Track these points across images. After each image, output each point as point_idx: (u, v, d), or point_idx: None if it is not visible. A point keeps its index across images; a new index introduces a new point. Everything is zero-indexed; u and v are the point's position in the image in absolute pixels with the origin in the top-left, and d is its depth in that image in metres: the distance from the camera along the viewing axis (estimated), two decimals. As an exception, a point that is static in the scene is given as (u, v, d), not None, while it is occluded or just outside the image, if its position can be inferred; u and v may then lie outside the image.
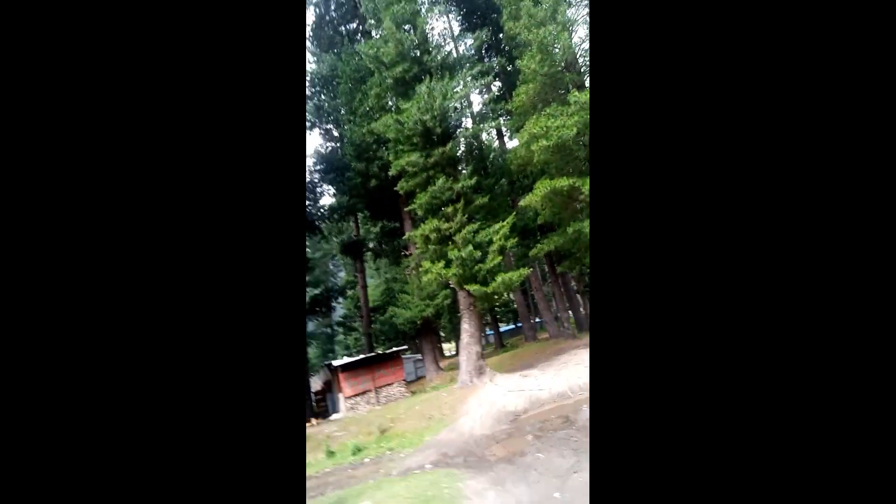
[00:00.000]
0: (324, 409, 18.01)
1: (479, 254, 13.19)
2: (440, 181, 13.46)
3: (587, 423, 7.56)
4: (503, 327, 28.68)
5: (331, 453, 10.64)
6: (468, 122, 17.30)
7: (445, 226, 13.64)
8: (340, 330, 34.33)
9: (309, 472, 9.78)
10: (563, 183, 12.43)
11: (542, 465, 5.79)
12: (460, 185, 13.64)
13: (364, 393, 15.85)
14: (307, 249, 29.91)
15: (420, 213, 14.36)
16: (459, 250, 13.03)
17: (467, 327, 15.40)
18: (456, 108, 14.88)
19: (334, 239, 27.61)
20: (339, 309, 35.50)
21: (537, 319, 28.04)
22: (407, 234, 15.38)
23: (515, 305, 27.02)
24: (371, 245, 26.00)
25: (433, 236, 13.86)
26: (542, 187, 12.99)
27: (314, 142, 64.14)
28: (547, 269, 23.63)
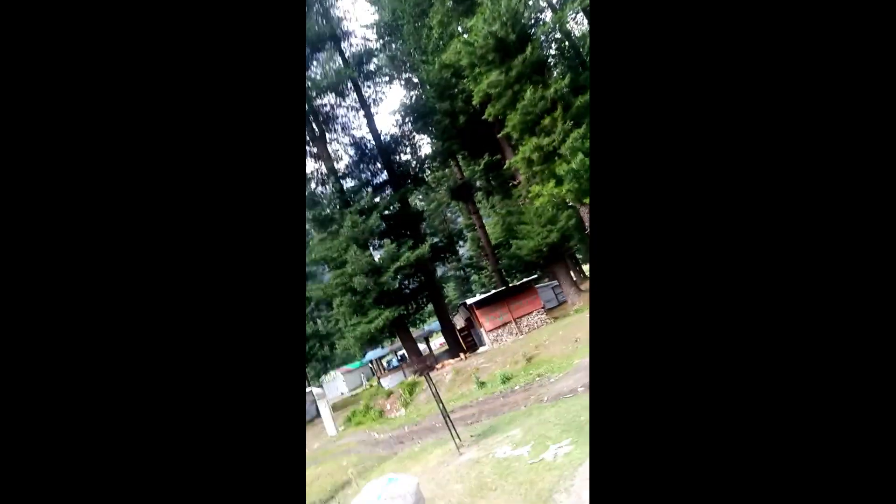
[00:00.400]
0: (471, 343, 19.15)
1: (591, 160, 11.75)
2: (528, 93, 12.09)
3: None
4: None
5: (481, 384, 11.27)
6: (548, 16, 14.93)
7: (546, 141, 12.37)
8: (472, 271, 35.74)
9: (463, 401, 10.53)
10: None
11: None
12: (552, 90, 12.06)
13: (504, 325, 16.28)
14: (420, 203, 31.10)
15: (515, 135, 13.28)
16: (568, 162, 11.77)
17: (597, 243, 14.29)
18: (528, 5, 12.91)
19: (441, 188, 27.93)
20: (466, 252, 36.96)
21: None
22: (507, 163, 14.50)
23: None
24: (479, 184, 25.61)
25: (535, 156, 12.76)
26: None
27: (398, 94, 64.51)
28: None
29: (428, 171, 25.44)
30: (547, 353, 11.53)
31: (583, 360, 9.45)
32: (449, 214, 39.01)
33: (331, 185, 19.31)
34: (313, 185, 20.43)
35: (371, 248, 18.54)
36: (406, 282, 19.57)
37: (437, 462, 5.93)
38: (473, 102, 14.07)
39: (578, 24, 17.99)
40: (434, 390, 6.39)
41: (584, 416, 5.24)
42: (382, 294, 16.70)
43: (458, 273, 37.50)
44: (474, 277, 37.82)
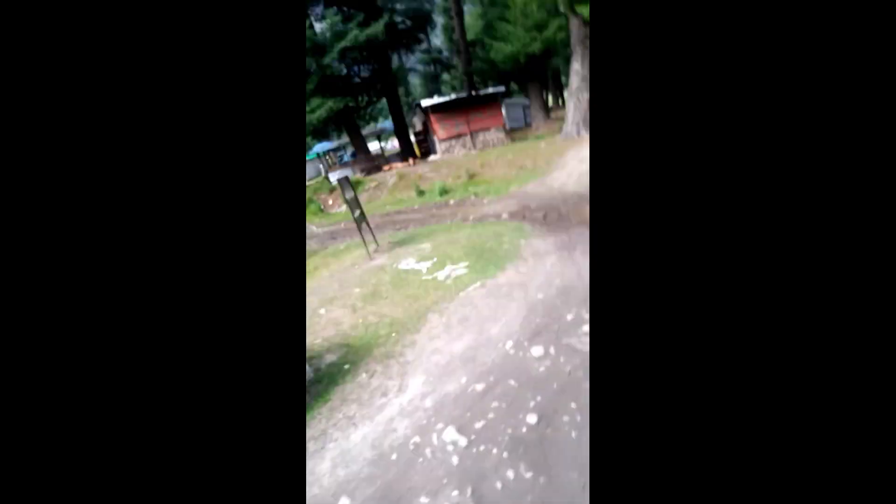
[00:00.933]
0: (425, 149, 18.64)
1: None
2: None
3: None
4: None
5: (420, 192, 11.37)
6: None
7: None
8: (441, 69, 32.04)
9: (400, 206, 10.76)
10: None
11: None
12: None
13: (459, 136, 15.63)
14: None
15: None
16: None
17: (578, 68, 12.74)
18: None
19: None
20: (440, 44, 32.37)
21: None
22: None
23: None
24: None
25: (539, -75, 9.81)
26: None
27: None
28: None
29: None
30: (490, 173, 11.46)
31: (520, 187, 9.51)
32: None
33: None
34: None
35: (313, 19, 15.22)
36: (356, 68, 17.08)
37: (351, 263, 6.22)
38: None
39: None
40: (350, 196, 6.18)
41: (490, 244, 5.42)
42: (325, 79, 14.54)
43: (428, 69, 33.65)
44: (445, 77, 34.31)
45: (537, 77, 17.98)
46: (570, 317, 3.39)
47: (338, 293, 4.89)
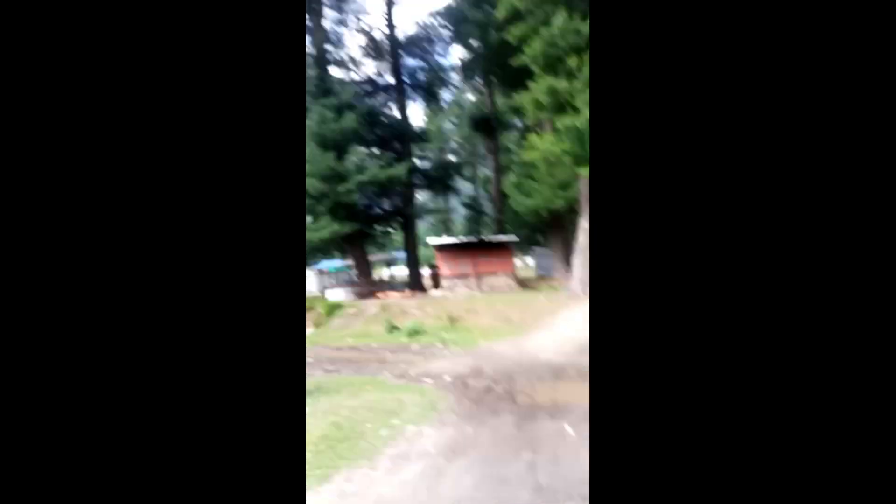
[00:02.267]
0: (437, 284, 18.18)
1: (602, 123, 9.45)
2: (559, 20, 9.57)
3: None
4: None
5: (392, 328, 10.25)
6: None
7: (564, 85, 10.01)
8: (474, 214, 34.03)
9: (358, 342, 9.61)
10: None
11: (555, 448, 3.59)
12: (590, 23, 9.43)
13: (463, 276, 15.07)
14: (451, 126, 28.42)
15: (536, 68, 10.87)
16: (578, 113, 9.57)
17: (586, 225, 12.35)
18: None
19: (464, 114, 25.17)
20: (481, 192, 35.02)
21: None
22: (516, 100, 12.13)
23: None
24: (519, 122, 22.88)
25: (546, 100, 10.46)
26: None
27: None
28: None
29: (451, 88, 22.73)
30: (474, 320, 10.32)
31: (491, 343, 8.18)
32: (483, 151, 36.46)
33: (316, 69, 16.87)
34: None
35: (347, 153, 16.70)
36: (380, 200, 18.01)
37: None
38: (497, 15, 11.46)
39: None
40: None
41: (368, 425, 4.03)
42: (338, 205, 15.20)
43: (470, 213, 35.99)
44: (485, 220, 36.25)
45: (562, 230, 17.95)
46: None
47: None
